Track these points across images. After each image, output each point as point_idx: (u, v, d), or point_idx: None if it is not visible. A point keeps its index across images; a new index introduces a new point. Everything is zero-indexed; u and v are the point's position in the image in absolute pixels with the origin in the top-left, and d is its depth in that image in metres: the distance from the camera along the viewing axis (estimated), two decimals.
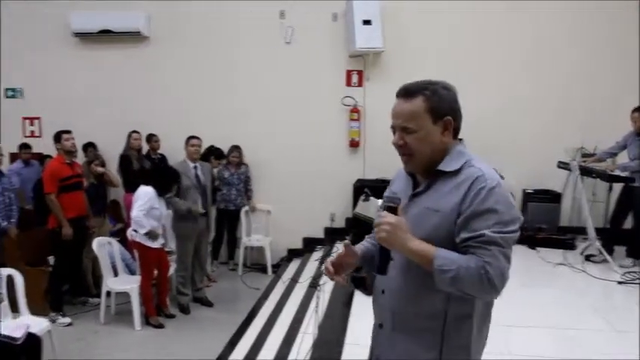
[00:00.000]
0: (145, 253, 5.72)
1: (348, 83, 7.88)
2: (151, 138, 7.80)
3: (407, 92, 1.78)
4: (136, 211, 5.58)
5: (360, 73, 7.83)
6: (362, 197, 5.98)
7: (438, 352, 1.76)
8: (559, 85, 7.51)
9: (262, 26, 7.90)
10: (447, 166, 1.77)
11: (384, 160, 7.37)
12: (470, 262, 1.60)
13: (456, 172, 1.74)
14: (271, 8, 7.82)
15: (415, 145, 1.77)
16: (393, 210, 1.75)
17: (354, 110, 7.81)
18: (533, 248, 6.82)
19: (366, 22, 7.35)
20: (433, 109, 1.75)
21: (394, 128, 1.81)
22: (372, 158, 7.75)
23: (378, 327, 1.95)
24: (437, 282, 1.64)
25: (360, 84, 7.83)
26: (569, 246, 6.85)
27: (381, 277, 1.81)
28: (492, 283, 1.59)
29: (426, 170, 1.81)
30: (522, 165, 7.40)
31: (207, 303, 6.37)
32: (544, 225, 7.16)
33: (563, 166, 6.83)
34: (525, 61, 7.55)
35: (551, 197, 7.40)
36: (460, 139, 1.85)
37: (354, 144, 7.88)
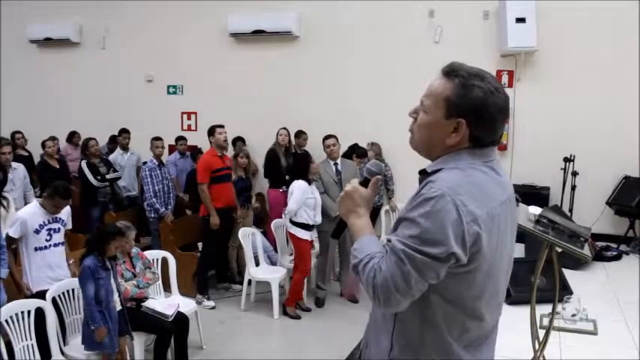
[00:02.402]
0: (299, 244, 5.88)
1: None
2: (300, 135, 7.98)
3: (445, 69, 1.58)
4: (290, 204, 5.77)
5: (510, 73, 7.43)
6: None
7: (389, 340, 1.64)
8: None
9: (411, 25, 7.79)
10: (430, 166, 1.61)
11: (533, 165, 7.13)
12: (373, 261, 1.52)
13: (430, 174, 1.57)
14: (420, 7, 7.68)
15: (418, 126, 1.63)
16: (366, 182, 1.74)
17: None
18: None
19: (520, 20, 6.97)
20: (450, 103, 1.53)
21: None
22: (520, 162, 7.30)
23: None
24: None
25: (510, 85, 7.43)
26: None
27: None
28: (375, 290, 1.48)
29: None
30: None
31: (352, 299, 6.39)
32: None
33: None
34: None
35: None
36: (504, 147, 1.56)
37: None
